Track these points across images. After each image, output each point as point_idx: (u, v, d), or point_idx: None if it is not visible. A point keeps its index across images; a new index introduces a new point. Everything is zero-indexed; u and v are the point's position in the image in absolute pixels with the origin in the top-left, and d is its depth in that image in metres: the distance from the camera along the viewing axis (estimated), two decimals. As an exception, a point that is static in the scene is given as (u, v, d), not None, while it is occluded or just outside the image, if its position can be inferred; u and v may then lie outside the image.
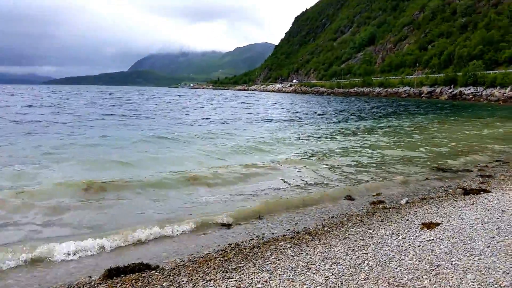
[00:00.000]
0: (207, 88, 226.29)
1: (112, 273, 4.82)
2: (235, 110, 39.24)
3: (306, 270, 4.54)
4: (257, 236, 6.10)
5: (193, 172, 9.91)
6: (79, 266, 5.14)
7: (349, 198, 8.28)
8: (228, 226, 6.57)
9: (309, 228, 6.34)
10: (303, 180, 9.80)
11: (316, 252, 5.12)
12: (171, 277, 4.61)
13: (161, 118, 26.90)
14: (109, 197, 7.93)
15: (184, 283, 4.41)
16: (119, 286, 4.48)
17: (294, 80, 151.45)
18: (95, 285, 4.60)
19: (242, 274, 4.56)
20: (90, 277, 4.83)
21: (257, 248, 5.47)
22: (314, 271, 4.49)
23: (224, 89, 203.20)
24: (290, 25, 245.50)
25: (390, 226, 6.11)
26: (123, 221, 6.63)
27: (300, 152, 14.05)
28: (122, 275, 4.77)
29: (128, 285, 4.49)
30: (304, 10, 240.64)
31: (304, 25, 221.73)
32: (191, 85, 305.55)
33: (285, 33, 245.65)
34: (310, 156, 13.04)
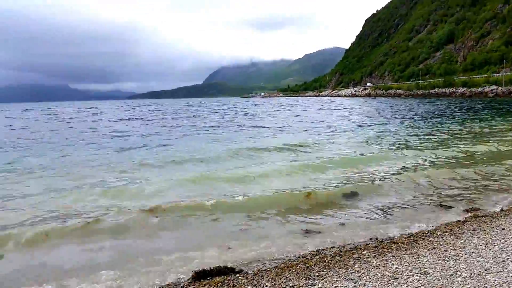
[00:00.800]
0: (277, 96, 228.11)
1: (200, 275, 5.06)
2: (315, 117, 38.65)
3: (393, 280, 4.37)
4: (338, 245, 6.01)
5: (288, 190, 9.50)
6: (169, 267, 5.46)
7: (440, 206, 7.85)
8: (306, 232, 6.56)
9: (393, 237, 6.11)
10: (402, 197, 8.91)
11: (402, 262, 4.91)
12: (254, 281, 4.72)
13: (239, 129, 27.40)
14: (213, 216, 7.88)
15: (267, 288, 4.49)
16: (206, 288, 4.69)
17: (368, 84, 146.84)
18: (184, 286, 4.87)
19: (325, 282, 4.52)
20: (179, 278, 5.12)
21: (339, 256, 5.39)
22: (402, 282, 4.31)
23: (294, 96, 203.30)
24: (361, 28, 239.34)
25: (484, 236, 5.66)
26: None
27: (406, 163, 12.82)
28: (209, 278, 4.99)
29: (214, 287, 4.68)
30: (375, 12, 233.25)
31: (375, 27, 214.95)
32: (262, 94, 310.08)
33: (356, 36, 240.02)
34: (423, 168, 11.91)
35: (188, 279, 5.05)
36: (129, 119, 41.48)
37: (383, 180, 10.24)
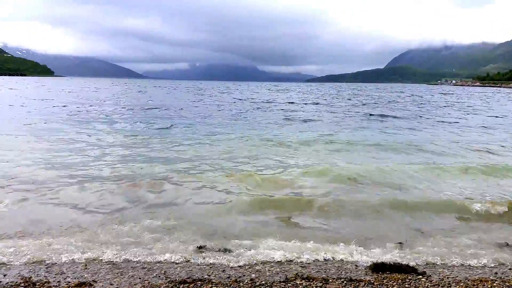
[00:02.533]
0: (472, 85, 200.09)
1: (378, 267, 5.00)
2: None
3: None
4: (549, 267, 5.05)
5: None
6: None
7: None
8: (507, 245, 5.71)
9: None
10: None
11: None
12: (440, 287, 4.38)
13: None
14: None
15: (455, 298, 4.12)
16: (386, 281, 4.58)
17: None
18: (362, 274, 4.88)
19: (532, 308, 3.87)
20: (356, 266, 5.15)
21: (551, 281, 4.53)
22: None
23: (496, 86, 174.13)
24: None
25: None
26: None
27: None
28: (387, 272, 4.88)
29: (394, 283, 4.53)
30: None
31: None
32: (453, 81, 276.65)
33: None
34: None
35: (365, 268, 5.05)
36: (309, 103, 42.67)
37: None
